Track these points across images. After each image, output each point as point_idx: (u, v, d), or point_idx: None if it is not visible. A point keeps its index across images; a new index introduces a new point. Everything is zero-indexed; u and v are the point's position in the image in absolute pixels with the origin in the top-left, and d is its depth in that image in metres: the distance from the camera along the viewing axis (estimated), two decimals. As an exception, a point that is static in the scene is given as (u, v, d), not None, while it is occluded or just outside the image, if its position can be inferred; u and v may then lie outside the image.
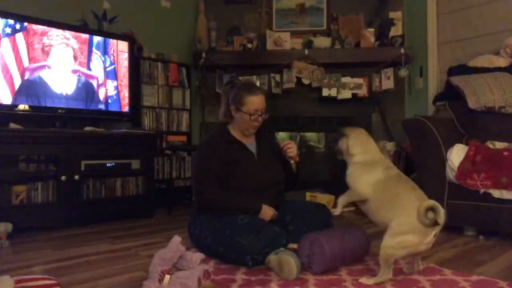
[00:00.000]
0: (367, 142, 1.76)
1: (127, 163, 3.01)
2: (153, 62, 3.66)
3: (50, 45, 2.82)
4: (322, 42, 3.82)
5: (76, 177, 2.72)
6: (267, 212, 1.91)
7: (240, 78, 3.78)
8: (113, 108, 3.18)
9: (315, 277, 1.62)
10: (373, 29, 3.80)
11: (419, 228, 1.45)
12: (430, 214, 1.42)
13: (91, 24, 3.25)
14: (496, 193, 2.25)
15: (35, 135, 2.58)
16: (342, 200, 1.72)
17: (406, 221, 1.47)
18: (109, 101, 3.15)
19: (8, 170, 2.50)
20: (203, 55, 3.81)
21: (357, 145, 1.72)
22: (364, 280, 1.55)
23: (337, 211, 1.73)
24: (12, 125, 2.57)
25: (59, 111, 2.86)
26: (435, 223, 1.42)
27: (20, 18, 2.70)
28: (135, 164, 3.05)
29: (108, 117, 3.19)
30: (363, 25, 3.88)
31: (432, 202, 1.44)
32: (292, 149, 2.05)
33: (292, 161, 2.10)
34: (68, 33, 2.91)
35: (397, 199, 1.56)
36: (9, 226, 2.30)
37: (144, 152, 3.11)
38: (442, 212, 1.43)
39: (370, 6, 3.93)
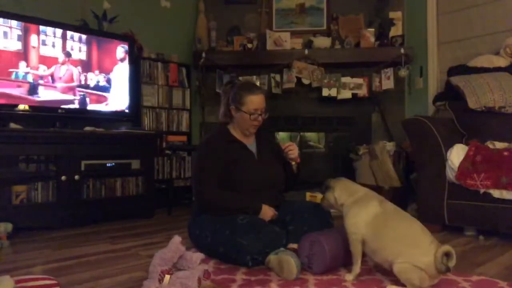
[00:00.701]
0: (352, 186, 1.70)
1: (127, 163, 3.01)
2: (153, 62, 3.66)
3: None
4: (322, 42, 3.82)
5: (76, 177, 2.72)
6: (267, 212, 1.91)
7: (240, 78, 3.78)
8: (113, 108, 3.18)
9: (315, 277, 1.62)
10: (373, 29, 3.80)
11: (432, 270, 1.42)
12: (445, 259, 1.41)
13: (91, 24, 3.25)
14: (496, 193, 2.25)
15: (35, 135, 2.58)
16: (356, 257, 1.60)
17: (424, 260, 1.42)
18: (109, 101, 3.15)
19: (8, 170, 2.50)
20: (203, 55, 3.81)
21: (344, 194, 1.66)
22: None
23: (352, 276, 1.61)
24: (12, 125, 2.57)
25: (59, 111, 2.86)
26: (447, 269, 1.41)
27: (20, 18, 2.70)
28: (135, 164, 3.05)
29: (108, 117, 3.20)
30: (363, 25, 3.88)
31: (448, 248, 1.42)
32: (293, 151, 2.05)
33: (293, 163, 2.10)
34: (75, 36, 2.92)
35: (408, 237, 1.49)
36: (9, 226, 2.30)
37: (144, 152, 3.11)
38: (454, 257, 1.42)
39: (370, 6, 3.93)
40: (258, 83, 3.77)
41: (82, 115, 3.02)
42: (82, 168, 2.77)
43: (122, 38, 3.28)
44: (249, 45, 3.85)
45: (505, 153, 2.26)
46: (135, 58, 3.45)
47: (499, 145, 2.46)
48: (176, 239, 1.54)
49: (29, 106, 2.71)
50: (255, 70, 3.88)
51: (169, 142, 3.70)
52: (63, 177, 2.66)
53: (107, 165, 2.92)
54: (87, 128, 2.89)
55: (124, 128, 3.17)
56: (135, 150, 3.07)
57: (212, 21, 3.98)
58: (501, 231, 2.31)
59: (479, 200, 2.31)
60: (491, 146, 2.46)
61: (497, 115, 2.69)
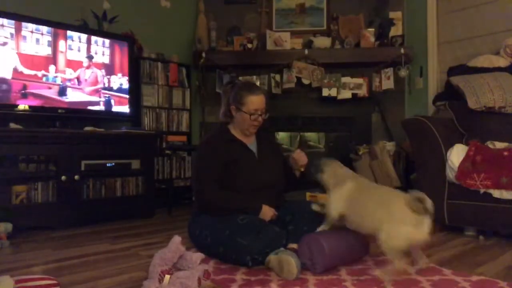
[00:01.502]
0: (340, 171, 1.83)
1: (127, 163, 3.02)
2: (153, 62, 3.65)
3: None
4: (322, 42, 3.82)
5: (76, 177, 2.72)
6: (267, 212, 1.91)
7: (240, 78, 3.78)
8: (113, 108, 3.18)
9: (315, 277, 1.62)
10: (373, 29, 3.80)
11: (412, 219, 1.50)
12: (418, 203, 1.51)
13: (91, 24, 3.25)
14: (496, 193, 2.25)
15: (35, 135, 2.58)
16: (326, 225, 1.79)
17: (396, 215, 1.53)
18: (109, 101, 3.15)
19: (8, 170, 2.50)
20: (203, 55, 3.81)
21: (330, 179, 1.80)
22: (379, 273, 1.59)
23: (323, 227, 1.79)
24: (12, 125, 2.57)
25: (59, 111, 2.86)
26: (425, 210, 1.50)
27: (20, 18, 2.70)
28: (135, 164, 3.05)
29: (108, 117, 3.20)
30: (363, 25, 3.88)
31: (416, 194, 1.53)
32: (304, 159, 2.07)
33: (302, 169, 2.11)
34: (77, 35, 2.93)
35: (384, 200, 1.61)
36: (9, 226, 2.30)
37: (144, 152, 3.11)
38: (428, 200, 1.51)
39: (370, 6, 3.93)
40: (258, 83, 3.77)
41: (82, 115, 3.02)
42: (82, 168, 2.77)
43: (122, 38, 3.28)
44: (249, 45, 3.85)
45: (505, 153, 2.26)
46: (135, 58, 3.45)
47: (499, 145, 2.46)
48: (176, 239, 1.54)
49: (29, 106, 2.71)
50: (255, 70, 3.88)
51: (169, 142, 3.70)
52: (63, 177, 2.66)
53: (107, 165, 2.92)
54: (87, 128, 2.89)
55: (124, 128, 3.17)
56: (135, 150, 3.07)
57: (212, 21, 3.98)
58: (501, 231, 2.31)
59: (479, 200, 2.31)
60: (491, 146, 2.46)
61: (497, 115, 2.69)
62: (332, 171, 1.81)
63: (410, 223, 1.50)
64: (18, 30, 2.70)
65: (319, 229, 1.79)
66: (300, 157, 2.07)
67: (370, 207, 1.62)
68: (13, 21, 2.68)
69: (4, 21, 2.64)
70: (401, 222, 1.51)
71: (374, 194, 1.68)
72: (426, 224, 1.51)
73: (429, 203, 1.50)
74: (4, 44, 2.64)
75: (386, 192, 1.69)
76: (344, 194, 1.71)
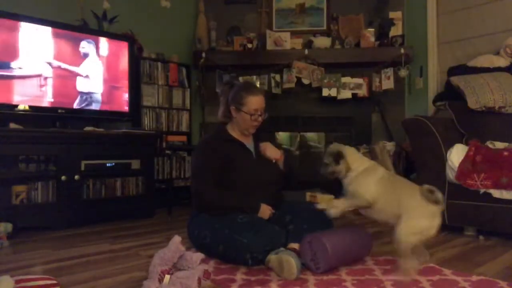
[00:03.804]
0: (360, 155, 1.87)
1: (127, 163, 3.01)
2: (153, 62, 3.66)
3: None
4: (322, 42, 3.82)
5: (76, 177, 2.72)
6: (266, 211, 1.91)
7: (240, 78, 3.78)
8: (113, 108, 3.18)
9: (315, 277, 1.62)
10: (373, 29, 3.80)
11: (427, 211, 1.57)
12: (431, 195, 1.58)
13: (91, 24, 3.25)
14: (496, 193, 2.25)
15: (35, 135, 2.58)
16: (344, 205, 1.76)
17: (415, 206, 1.59)
18: (110, 100, 3.15)
19: (8, 170, 2.50)
20: (203, 55, 3.81)
21: (356, 160, 1.81)
22: (394, 277, 1.60)
23: (335, 214, 1.76)
24: (12, 125, 2.57)
25: (59, 111, 2.86)
26: (436, 201, 1.57)
27: (20, 18, 2.70)
28: (135, 164, 3.05)
29: (108, 117, 3.20)
30: (363, 25, 3.89)
31: (428, 186, 1.60)
32: (264, 150, 2.04)
33: (273, 161, 2.07)
34: (74, 35, 2.93)
35: (405, 191, 1.68)
36: (9, 226, 2.30)
37: (144, 152, 3.11)
38: (438, 191, 1.58)
39: (370, 6, 3.93)
40: (258, 83, 3.78)
41: (82, 115, 3.02)
42: (82, 168, 2.77)
43: (122, 38, 3.28)
44: (249, 45, 3.85)
45: (505, 153, 2.26)
46: (135, 58, 3.45)
47: (499, 145, 2.46)
48: (176, 239, 1.54)
49: (29, 106, 2.71)
50: (255, 70, 3.88)
51: (169, 142, 3.70)
52: (63, 177, 2.66)
53: (107, 165, 2.92)
54: (87, 128, 2.89)
55: (124, 128, 3.17)
56: (135, 150, 3.07)
57: (212, 21, 3.99)
58: (501, 231, 2.31)
59: (479, 200, 2.31)
60: (491, 146, 2.46)
61: (497, 115, 2.69)
62: (352, 153, 1.82)
63: (426, 215, 1.57)
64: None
65: (341, 207, 1.76)
66: (264, 150, 2.05)
67: (395, 197, 1.67)
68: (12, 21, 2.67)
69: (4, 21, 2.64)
70: (419, 214, 1.58)
71: (396, 184, 1.74)
72: (438, 216, 1.59)
73: (439, 194, 1.57)
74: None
75: (405, 183, 1.76)
76: (377, 179, 1.73)
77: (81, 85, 3.00)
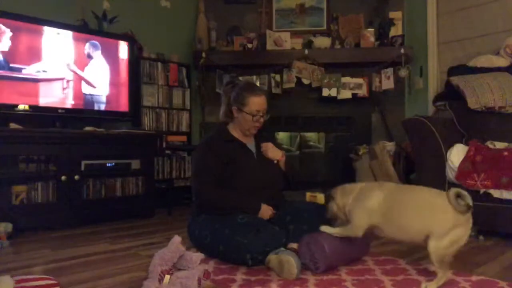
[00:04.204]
0: (349, 187, 1.73)
1: (127, 163, 3.01)
2: (153, 62, 3.65)
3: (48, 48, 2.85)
4: (322, 42, 3.82)
5: (76, 177, 2.72)
6: (266, 211, 1.91)
7: (240, 78, 3.78)
8: (113, 108, 3.18)
9: (315, 277, 1.62)
10: (373, 29, 3.80)
11: (460, 219, 1.47)
12: (461, 201, 1.46)
13: (91, 24, 3.25)
14: (496, 193, 2.25)
15: (35, 135, 2.58)
16: (338, 232, 1.68)
17: (448, 218, 1.47)
18: (110, 100, 3.15)
19: (8, 170, 2.50)
20: (203, 55, 3.81)
21: (344, 197, 1.70)
22: (428, 285, 1.48)
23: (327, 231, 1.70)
24: (12, 125, 2.57)
25: (59, 111, 2.86)
26: (468, 207, 1.46)
27: (21, 18, 2.70)
28: (135, 164, 3.05)
29: (108, 117, 3.20)
30: (363, 25, 3.88)
31: (456, 189, 1.47)
32: (266, 151, 2.04)
33: (275, 161, 2.07)
34: (68, 34, 2.93)
35: (422, 205, 1.53)
36: (9, 226, 2.30)
37: (144, 152, 3.11)
38: (468, 195, 1.47)
39: (370, 6, 3.93)
40: (258, 83, 3.78)
41: (82, 115, 3.02)
42: (82, 168, 2.77)
43: (122, 38, 3.28)
44: (249, 45, 3.85)
45: (505, 153, 2.26)
46: (135, 58, 3.45)
47: (499, 145, 2.46)
48: (176, 239, 1.54)
49: (29, 106, 2.71)
50: (255, 70, 3.88)
51: (169, 142, 3.69)
52: (63, 177, 2.66)
53: (107, 165, 2.92)
54: (87, 128, 2.89)
55: (124, 128, 3.17)
56: (135, 150, 3.07)
57: (212, 21, 3.98)
58: (501, 231, 2.31)
59: (479, 200, 2.30)
60: (491, 146, 2.46)
61: (497, 115, 2.69)
62: (341, 191, 1.72)
63: (459, 224, 1.46)
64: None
65: (323, 229, 1.72)
66: (266, 151, 2.04)
67: (411, 213, 1.53)
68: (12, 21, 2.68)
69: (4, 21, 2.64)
70: (451, 225, 1.45)
71: (410, 198, 1.58)
72: (470, 222, 1.50)
73: (470, 198, 1.46)
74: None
75: (424, 193, 1.57)
76: (372, 204, 1.59)
77: (86, 86, 3.02)
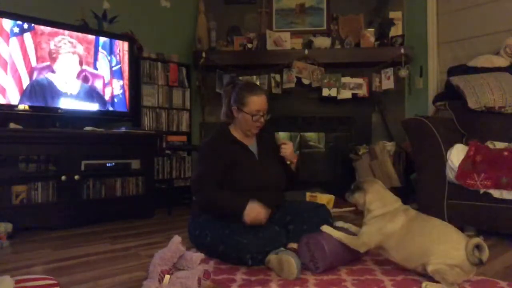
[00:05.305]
0: (385, 194, 1.72)
1: (127, 163, 3.01)
2: (153, 62, 3.65)
3: (57, 52, 2.87)
4: (322, 42, 3.82)
5: (76, 177, 2.72)
6: (255, 208, 1.79)
7: (240, 78, 3.78)
8: (117, 107, 3.19)
9: (315, 277, 1.62)
10: (373, 29, 3.80)
11: (466, 264, 1.46)
12: (476, 253, 1.45)
13: (91, 24, 3.25)
14: (496, 193, 2.25)
15: (35, 135, 2.58)
16: (341, 238, 1.70)
17: (455, 254, 1.46)
18: (115, 100, 3.16)
19: (8, 170, 2.50)
20: (203, 55, 3.81)
21: (376, 201, 1.69)
22: (429, 285, 1.49)
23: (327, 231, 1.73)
24: (12, 125, 2.57)
25: (59, 111, 2.86)
26: (480, 262, 1.45)
27: (25, 19, 2.70)
28: (135, 164, 3.05)
29: (108, 117, 3.20)
30: (363, 25, 3.89)
31: (478, 240, 1.46)
32: (285, 149, 2.03)
33: (288, 162, 2.07)
34: (74, 35, 2.95)
35: (436, 236, 1.55)
36: (9, 226, 2.30)
37: (144, 152, 3.11)
38: (487, 250, 1.45)
39: (370, 6, 3.93)
40: (258, 83, 3.77)
41: (82, 115, 3.02)
42: (82, 168, 2.77)
43: (122, 38, 3.28)
44: (249, 45, 3.85)
45: (505, 153, 2.26)
46: (135, 58, 3.45)
47: (499, 145, 2.46)
48: (176, 239, 1.54)
49: (29, 106, 2.71)
50: (255, 70, 3.88)
51: (169, 142, 3.69)
52: (63, 177, 2.66)
53: (107, 165, 2.92)
54: (87, 128, 2.89)
55: (124, 128, 3.17)
56: (135, 150, 3.07)
57: (212, 21, 3.98)
58: (501, 231, 2.31)
59: (479, 200, 2.31)
60: (491, 146, 2.46)
61: (497, 115, 2.68)
62: (376, 192, 1.70)
63: (463, 267, 1.45)
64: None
65: (324, 229, 1.74)
66: (286, 150, 2.04)
67: (421, 242, 1.55)
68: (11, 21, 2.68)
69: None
70: (455, 263, 1.45)
71: (426, 228, 1.59)
72: (473, 272, 1.50)
73: (486, 255, 1.44)
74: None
75: (443, 228, 1.59)
76: (393, 229, 1.61)
77: (86, 86, 3.02)
